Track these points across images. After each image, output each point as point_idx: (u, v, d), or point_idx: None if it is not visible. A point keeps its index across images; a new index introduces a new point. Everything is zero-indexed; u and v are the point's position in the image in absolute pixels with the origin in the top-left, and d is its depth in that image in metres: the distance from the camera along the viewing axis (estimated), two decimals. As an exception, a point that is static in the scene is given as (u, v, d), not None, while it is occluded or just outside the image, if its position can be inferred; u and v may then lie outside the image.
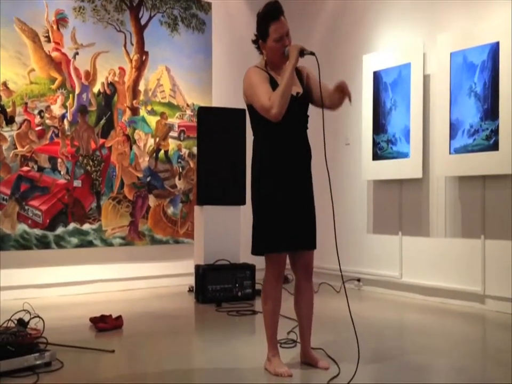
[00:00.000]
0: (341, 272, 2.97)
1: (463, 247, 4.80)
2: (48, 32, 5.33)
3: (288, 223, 2.83)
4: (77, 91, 5.48)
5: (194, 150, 5.89)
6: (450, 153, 4.79)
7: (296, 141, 2.90)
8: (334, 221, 2.90)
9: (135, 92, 5.84)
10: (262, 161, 2.88)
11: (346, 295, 2.85)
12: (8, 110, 5.03)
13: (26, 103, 5.16)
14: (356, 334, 2.76)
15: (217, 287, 4.95)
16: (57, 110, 5.36)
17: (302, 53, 2.77)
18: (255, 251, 2.90)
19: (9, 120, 3.17)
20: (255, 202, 2.91)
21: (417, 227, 5.20)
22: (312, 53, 2.78)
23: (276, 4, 2.83)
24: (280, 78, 2.80)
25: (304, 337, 3.01)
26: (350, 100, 2.85)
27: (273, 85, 2.80)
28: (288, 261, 2.98)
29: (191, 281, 5.38)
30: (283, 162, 2.85)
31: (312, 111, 2.98)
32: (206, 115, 5.31)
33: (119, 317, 3.98)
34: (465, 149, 4.68)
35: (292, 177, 2.86)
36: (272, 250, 2.85)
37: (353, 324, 2.76)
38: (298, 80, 2.93)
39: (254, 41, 2.92)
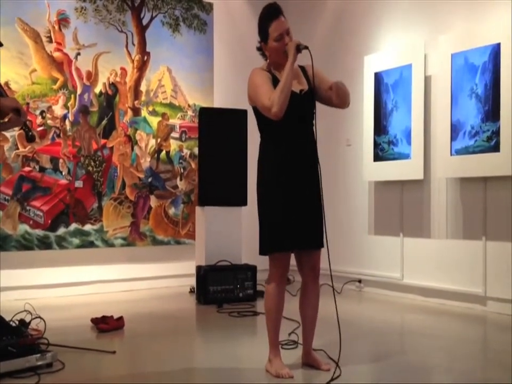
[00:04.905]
0: (331, 272, 2.92)
1: (464, 248, 4.80)
2: (50, 33, 5.34)
3: (292, 222, 2.82)
4: (79, 91, 5.48)
5: (196, 150, 5.89)
6: (451, 154, 4.79)
7: (302, 139, 2.89)
8: (324, 219, 2.88)
9: (136, 93, 5.84)
10: (267, 161, 2.90)
11: (334, 295, 2.85)
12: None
13: (28, 104, 5.16)
14: (339, 333, 2.79)
15: (219, 288, 4.95)
16: (58, 110, 5.36)
17: (298, 48, 2.79)
18: (261, 251, 2.90)
19: (31, 138, 3.14)
20: (259, 202, 2.92)
21: (419, 228, 5.20)
22: (306, 47, 2.79)
23: (274, 4, 2.86)
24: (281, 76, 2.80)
25: (307, 339, 3.01)
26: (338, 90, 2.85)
27: (277, 84, 2.80)
28: (294, 262, 2.98)
29: (192, 282, 5.38)
30: (288, 162, 2.85)
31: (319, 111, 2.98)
32: (207, 116, 5.31)
33: (120, 318, 3.98)
34: (466, 150, 4.68)
35: (297, 177, 2.85)
36: (276, 250, 2.84)
37: (338, 321, 2.79)
38: (304, 78, 2.95)
39: (258, 48, 2.93)
